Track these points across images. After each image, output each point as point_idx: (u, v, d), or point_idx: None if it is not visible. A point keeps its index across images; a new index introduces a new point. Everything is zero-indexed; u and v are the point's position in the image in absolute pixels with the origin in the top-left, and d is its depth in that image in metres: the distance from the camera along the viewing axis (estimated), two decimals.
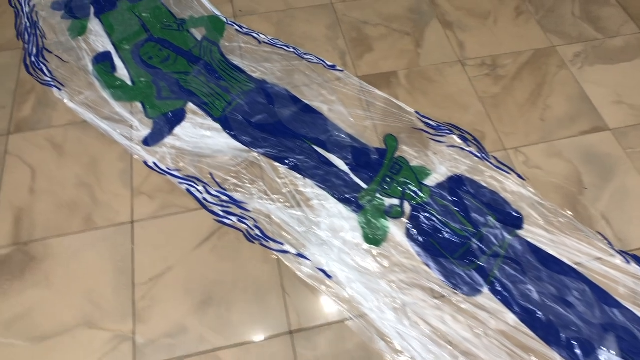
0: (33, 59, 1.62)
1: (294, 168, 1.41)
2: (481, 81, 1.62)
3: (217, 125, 1.49)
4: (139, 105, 1.52)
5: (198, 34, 1.70)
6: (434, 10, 1.80)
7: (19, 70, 1.60)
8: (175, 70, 1.59)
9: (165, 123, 1.48)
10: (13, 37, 1.69)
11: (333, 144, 1.47)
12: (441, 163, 1.44)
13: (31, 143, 1.45)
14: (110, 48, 1.66)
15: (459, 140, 1.49)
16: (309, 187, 1.39)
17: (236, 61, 1.63)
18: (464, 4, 1.83)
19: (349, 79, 1.60)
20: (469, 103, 1.57)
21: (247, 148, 1.44)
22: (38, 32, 1.69)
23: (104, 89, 1.56)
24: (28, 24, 1.71)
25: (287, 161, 1.42)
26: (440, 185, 1.40)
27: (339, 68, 1.63)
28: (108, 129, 1.47)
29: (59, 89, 1.55)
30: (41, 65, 1.61)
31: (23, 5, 1.77)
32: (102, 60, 1.62)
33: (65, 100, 1.53)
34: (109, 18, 1.74)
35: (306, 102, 1.55)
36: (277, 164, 1.42)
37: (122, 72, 1.60)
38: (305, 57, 1.65)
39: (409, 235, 1.31)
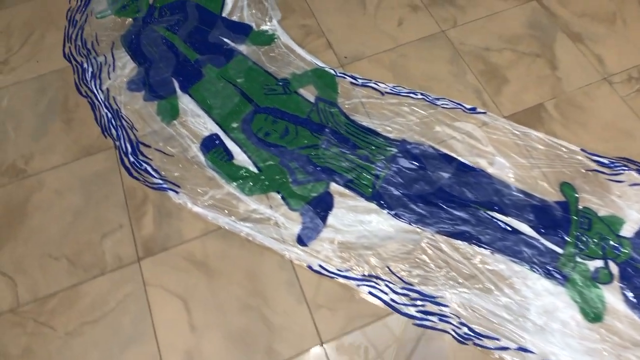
0: (131, 158, 1.39)
1: (477, 243, 1.24)
2: (635, 99, 1.47)
3: (373, 205, 1.31)
4: (276, 196, 1.33)
5: (309, 94, 1.49)
6: (555, 21, 1.62)
7: (121, 175, 1.37)
8: (301, 145, 1.38)
9: (314, 213, 1.29)
10: (99, 135, 1.43)
11: (508, 205, 1.31)
12: (629, 207, 1.30)
13: (169, 266, 1.24)
14: (215, 129, 1.43)
15: (637, 175, 1.35)
16: (501, 263, 1.23)
17: (364, 121, 1.43)
18: (583, 9, 1.63)
19: (496, 121, 1.43)
20: (631, 128, 1.41)
21: (416, 228, 1.28)
22: (124, 122, 1.45)
23: (228, 183, 1.34)
24: (109, 115, 1.46)
25: (466, 235, 1.25)
26: (639, 234, 1.27)
27: (480, 110, 1.44)
28: (252, 232, 1.27)
29: (176, 192, 1.33)
30: (143, 164, 1.38)
31: (96, 92, 1.51)
32: (212, 147, 1.40)
33: (189, 205, 1.31)
34: (200, 91, 1.50)
35: (460, 159, 1.37)
36: (455, 241, 1.26)
37: (240, 157, 1.39)
38: (439, 102, 1.46)
39: (629, 301, 1.19)
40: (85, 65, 1.56)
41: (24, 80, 1.55)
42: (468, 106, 1.45)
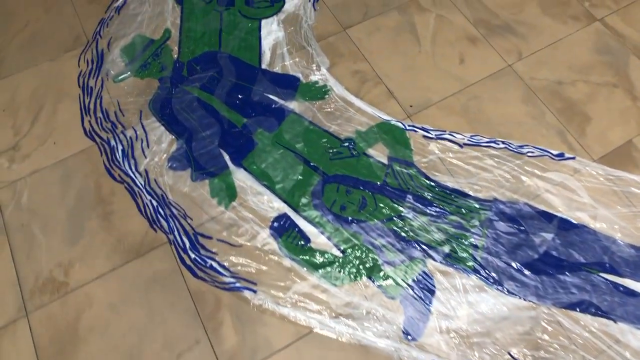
0: (192, 254, 1.20)
1: (596, 312, 1.12)
2: None
3: (478, 281, 1.18)
4: (368, 283, 1.18)
5: (379, 154, 1.32)
6: (623, 43, 1.51)
7: (183, 276, 1.18)
8: (384, 217, 1.24)
9: (416, 299, 1.15)
10: (147, 230, 1.22)
11: (621, 264, 1.21)
12: None
13: None
14: (282, 207, 1.25)
15: None
16: (628, 334, 1.13)
17: (448, 181, 1.29)
18: None
19: (587, 167, 1.31)
20: None
21: (529, 303, 1.15)
22: (174, 210, 1.25)
23: (310, 273, 1.18)
24: (154, 203, 1.25)
25: (584, 305, 1.12)
26: None
27: (568, 156, 1.32)
28: (349, 332, 1.12)
29: (253, 291, 1.16)
30: (208, 261, 1.19)
31: (132, 176, 1.30)
32: (284, 230, 1.22)
33: (271, 306, 1.14)
34: (255, 162, 1.31)
35: (560, 215, 1.26)
36: (575, 313, 1.15)
37: (318, 239, 1.22)
38: (524, 151, 1.33)
39: None
40: (112, 142, 1.34)
41: (42, 168, 1.32)
42: (555, 152, 1.32)
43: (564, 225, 1.23)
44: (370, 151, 1.32)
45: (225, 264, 1.18)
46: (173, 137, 1.34)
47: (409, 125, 1.36)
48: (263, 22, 1.55)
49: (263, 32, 1.53)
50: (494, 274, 1.17)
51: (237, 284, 1.16)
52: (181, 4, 1.59)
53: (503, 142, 1.34)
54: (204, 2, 1.59)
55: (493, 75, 1.44)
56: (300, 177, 1.28)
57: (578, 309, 1.13)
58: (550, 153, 1.32)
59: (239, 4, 1.59)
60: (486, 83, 1.43)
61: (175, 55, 1.49)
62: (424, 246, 1.19)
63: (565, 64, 1.47)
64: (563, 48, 1.50)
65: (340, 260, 1.19)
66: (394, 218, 1.23)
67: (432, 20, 1.55)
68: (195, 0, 1.59)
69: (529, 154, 1.32)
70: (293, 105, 1.40)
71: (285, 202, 1.25)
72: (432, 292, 1.15)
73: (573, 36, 1.52)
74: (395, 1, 1.58)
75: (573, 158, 1.32)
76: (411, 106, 1.39)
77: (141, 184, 1.28)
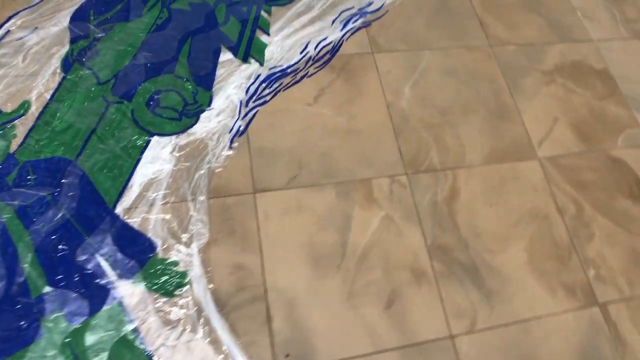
0: None
1: None
2: None
3: None
4: None
5: None
6: (622, 352, 1.08)
7: None
8: None
9: None
10: None
11: None
12: None
13: None
14: None
15: None
16: None
17: None
18: None
19: None
20: None
21: None
22: None
23: None
24: None
25: None
26: None
27: None
28: None
29: None
30: None
31: None
32: None
33: None
34: None
35: None
36: None
37: None
38: None
39: None
40: None
41: None
42: None
43: None
44: None
45: None
46: None
47: None
48: (154, 139, 1.10)
49: (146, 155, 1.08)
50: None
51: None
52: (65, 74, 1.18)
53: None
54: (95, 81, 1.17)
55: (423, 346, 1.01)
56: None
57: None
58: None
59: (137, 101, 1.15)
60: (411, 354, 1.00)
61: (14, 147, 1.07)
62: None
63: None
64: (536, 332, 1.06)
65: None
66: None
67: (376, 221, 1.11)
68: (84, 75, 1.16)
69: None
70: (125, 289, 0.98)
71: None
72: None
73: (557, 318, 1.07)
74: (343, 175, 1.14)
75: None
76: (287, 356, 0.97)
77: None
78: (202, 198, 1.04)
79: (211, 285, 0.97)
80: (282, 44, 1.28)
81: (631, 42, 1.52)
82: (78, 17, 1.23)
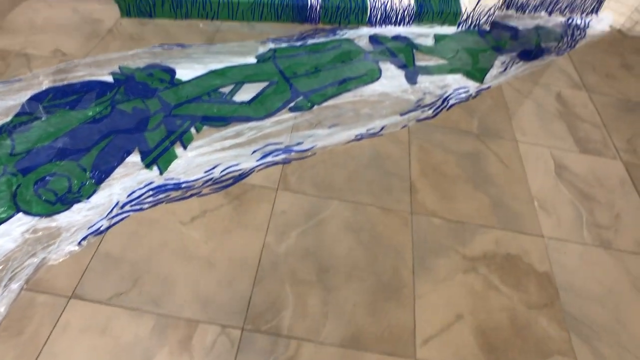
0: None
1: None
2: None
3: None
4: None
5: None
6: None
7: None
8: None
9: None
10: None
11: None
12: None
13: None
14: None
15: None
16: None
17: None
18: None
19: None
20: None
21: None
22: None
23: None
24: None
25: None
26: None
27: None
28: None
29: None
30: None
31: None
32: None
33: None
34: None
35: None
36: None
37: None
38: None
39: None
40: None
41: None
42: None
43: None
44: None
45: None
46: None
47: None
48: (18, 216, 1.09)
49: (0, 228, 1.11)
50: None
51: None
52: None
53: None
54: (9, 151, 1.24)
55: None
56: None
57: None
58: None
59: (28, 178, 1.18)
60: None
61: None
62: None
63: None
64: None
65: None
66: None
67: None
68: (4, 144, 1.24)
69: None
70: None
71: None
72: None
73: None
74: (171, 308, 1.00)
75: None
76: None
77: None
78: (15, 286, 0.99)
79: None
80: (193, 160, 1.31)
81: (592, 250, 1.27)
82: (35, 98, 1.41)
